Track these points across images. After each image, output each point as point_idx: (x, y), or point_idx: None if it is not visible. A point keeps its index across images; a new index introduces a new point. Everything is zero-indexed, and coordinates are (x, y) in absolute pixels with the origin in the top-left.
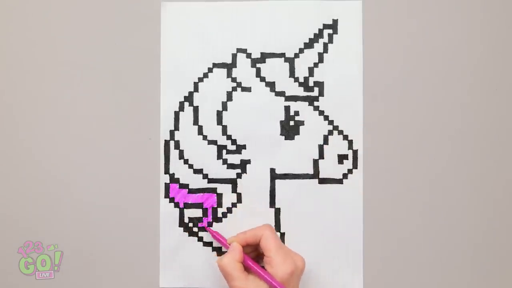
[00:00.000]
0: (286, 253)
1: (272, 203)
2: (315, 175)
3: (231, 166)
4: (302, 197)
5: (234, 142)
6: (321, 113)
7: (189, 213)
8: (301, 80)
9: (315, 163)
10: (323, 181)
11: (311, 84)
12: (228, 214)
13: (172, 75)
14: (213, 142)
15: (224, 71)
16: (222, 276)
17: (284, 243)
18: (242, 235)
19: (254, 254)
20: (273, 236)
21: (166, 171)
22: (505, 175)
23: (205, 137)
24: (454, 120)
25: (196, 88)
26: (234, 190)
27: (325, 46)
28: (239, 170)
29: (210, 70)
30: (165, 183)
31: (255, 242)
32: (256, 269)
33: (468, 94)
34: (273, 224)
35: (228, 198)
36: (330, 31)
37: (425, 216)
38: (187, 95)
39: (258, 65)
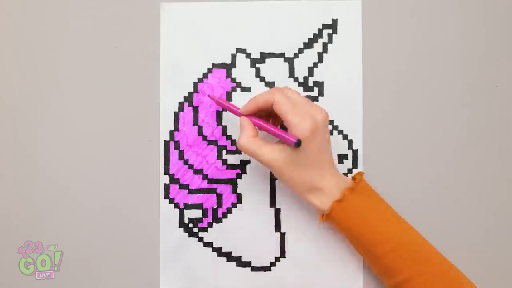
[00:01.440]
0: (302, 111)
1: (272, 203)
2: None
3: (231, 167)
4: None
5: (234, 142)
6: None
7: (189, 213)
8: (301, 80)
9: None
10: None
11: (310, 84)
12: (228, 215)
13: (172, 75)
14: (213, 143)
15: (223, 71)
16: (222, 277)
17: (284, 242)
18: (254, 103)
19: (273, 115)
20: (284, 99)
21: (166, 171)
22: (505, 174)
23: (205, 138)
24: (454, 119)
25: (196, 88)
26: (234, 190)
27: (325, 46)
28: (239, 171)
29: (209, 70)
30: (165, 184)
31: (268, 108)
32: (267, 128)
33: (468, 94)
34: (273, 224)
35: (228, 198)
36: (330, 31)
37: (425, 215)
38: (187, 95)
39: (257, 65)
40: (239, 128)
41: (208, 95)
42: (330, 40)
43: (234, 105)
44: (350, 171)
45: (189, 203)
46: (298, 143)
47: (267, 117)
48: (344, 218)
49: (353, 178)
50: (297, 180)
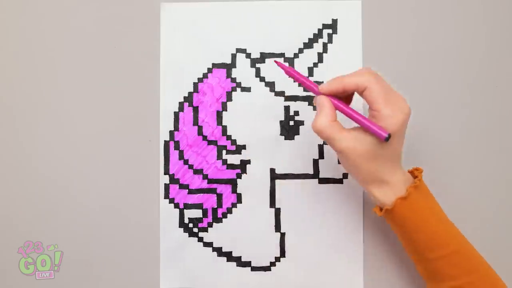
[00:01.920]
0: (393, 103)
1: (272, 203)
2: (315, 175)
3: (231, 166)
4: (302, 197)
5: (234, 142)
6: None
7: (189, 213)
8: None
9: (315, 163)
10: (323, 181)
11: None
12: (228, 215)
13: (172, 75)
14: (213, 143)
15: (223, 71)
16: (222, 277)
17: (284, 242)
18: (340, 83)
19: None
20: (380, 85)
21: (166, 171)
22: (508, 174)
23: (205, 138)
24: (454, 119)
25: (196, 88)
26: (234, 190)
27: (325, 46)
28: (239, 171)
29: (209, 70)
30: (165, 184)
31: (357, 92)
32: (353, 116)
33: (468, 94)
34: (273, 224)
35: (228, 198)
36: (330, 31)
37: None
38: (187, 95)
39: (257, 65)
40: (317, 107)
41: (275, 61)
42: (330, 40)
43: (310, 80)
44: None
45: (189, 203)
46: (388, 138)
47: (348, 97)
48: (403, 216)
49: (411, 173)
50: (367, 171)
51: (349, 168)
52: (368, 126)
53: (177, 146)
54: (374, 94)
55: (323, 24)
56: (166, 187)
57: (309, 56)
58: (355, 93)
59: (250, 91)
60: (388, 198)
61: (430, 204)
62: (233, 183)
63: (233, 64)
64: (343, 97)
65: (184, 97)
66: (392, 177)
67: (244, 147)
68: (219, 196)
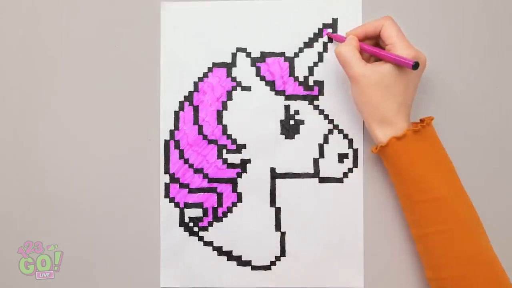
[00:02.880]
0: (409, 44)
1: (272, 202)
2: (316, 174)
3: (231, 166)
4: (303, 196)
5: (234, 141)
6: (321, 112)
7: (190, 212)
8: (301, 79)
9: (315, 162)
10: (323, 180)
11: (311, 83)
12: (229, 214)
13: (172, 75)
14: (213, 142)
15: (224, 70)
16: (222, 276)
17: (284, 241)
18: (360, 28)
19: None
20: (395, 25)
21: (166, 171)
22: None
23: (205, 137)
24: (454, 119)
25: (196, 88)
26: (234, 189)
27: (325, 45)
28: (239, 170)
29: (210, 69)
30: (165, 183)
31: (375, 34)
32: (378, 51)
33: (468, 93)
34: (273, 223)
35: (228, 197)
36: (330, 30)
37: None
38: (187, 94)
39: (258, 64)
40: (343, 42)
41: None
42: (330, 39)
43: (339, 35)
44: (350, 170)
45: (190, 202)
46: (416, 65)
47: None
48: (395, 155)
49: (421, 120)
50: (375, 103)
51: (358, 98)
52: (392, 57)
53: (177, 145)
54: (389, 30)
55: (323, 23)
56: (167, 186)
57: (310, 55)
58: None
59: (250, 90)
60: (385, 137)
61: (427, 149)
62: (233, 182)
63: (233, 63)
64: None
65: (185, 96)
66: (396, 118)
67: (244, 146)
68: (219, 195)
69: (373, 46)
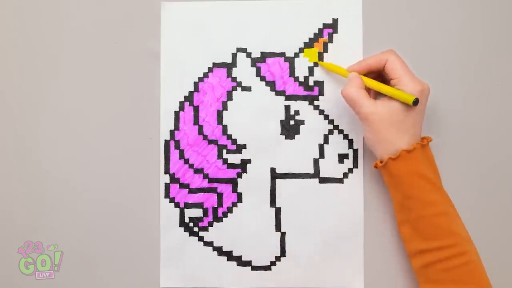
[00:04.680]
0: (413, 76)
1: (272, 202)
2: (316, 174)
3: (232, 166)
4: (303, 197)
5: (234, 141)
6: (321, 112)
7: (190, 213)
8: (301, 79)
9: (316, 162)
10: (323, 180)
11: (311, 83)
12: (229, 214)
13: (172, 75)
14: (213, 142)
15: (224, 70)
16: (222, 276)
17: (284, 242)
18: (364, 62)
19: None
20: (399, 59)
21: (166, 171)
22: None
23: (205, 137)
24: (454, 118)
25: (196, 88)
26: (234, 189)
27: (325, 45)
28: (239, 170)
29: (210, 69)
30: (165, 183)
31: (379, 68)
32: (381, 88)
33: (468, 93)
34: (273, 223)
35: (229, 197)
36: (330, 30)
37: None
38: (187, 94)
39: (258, 65)
40: (348, 81)
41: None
42: (330, 39)
43: (341, 67)
44: (350, 170)
45: (190, 202)
46: (416, 101)
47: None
48: (389, 173)
49: (421, 139)
50: (388, 140)
51: (372, 136)
52: (398, 93)
53: (177, 145)
54: (394, 64)
55: (323, 24)
56: (167, 186)
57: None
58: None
59: (250, 90)
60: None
61: (417, 167)
62: (233, 182)
63: (233, 64)
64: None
65: (185, 97)
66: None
67: (244, 146)
68: (220, 196)
69: (377, 82)
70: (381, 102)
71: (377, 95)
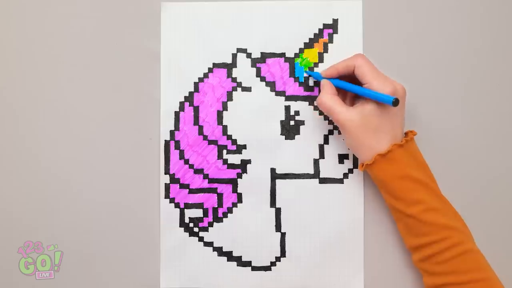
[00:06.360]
0: (384, 78)
1: (272, 203)
2: (316, 175)
3: (232, 166)
4: (303, 197)
5: (234, 142)
6: (321, 112)
7: (190, 213)
8: (301, 80)
9: (316, 162)
10: (323, 181)
11: (311, 84)
12: (229, 214)
13: (172, 75)
14: (214, 142)
15: (224, 71)
16: (222, 277)
17: (284, 242)
18: (333, 69)
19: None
20: (367, 62)
21: (167, 171)
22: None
23: (205, 137)
24: (454, 119)
25: (196, 88)
26: (234, 190)
27: (325, 45)
28: (239, 170)
29: (210, 70)
30: (165, 184)
31: (349, 73)
32: (357, 90)
33: (468, 93)
34: (273, 224)
35: (229, 198)
36: (330, 30)
37: None
38: (187, 95)
39: (258, 65)
40: (321, 88)
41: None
42: (330, 40)
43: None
44: (350, 170)
45: (190, 202)
46: (396, 102)
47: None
48: (382, 171)
49: (406, 134)
50: (367, 146)
51: (351, 143)
52: (375, 93)
53: (177, 145)
54: (362, 69)
55: (324, 24)
56: (167, 186)
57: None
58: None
59: (250, 91)
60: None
61: (397, 169)
62: (233, 182)
63: (233, 64)
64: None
65: (185, 97)
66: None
67: (244, 146)
68: (220, 196)
69: (351, 84)
70: (355, 108)
71: (356, 98)
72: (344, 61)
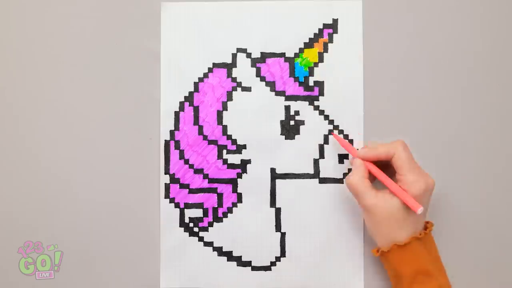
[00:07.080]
0: (419, 172)
1: (272, 203)
2: (316, 174)
3: (232, 166)
4: (303, 197)
5: (234, 142)
6: (321, 112)
7: (190, 213)
8: (301, 79)
9: (316, 162)
10: (323, 180)
11: (311, 83)
12: (229, 214)
13: (172, 75)
14: (214, 142)
15: (224, 71)
16: (222, 277)
17: (284, 242)
18: (373, 151)
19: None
20: (407, 154)
21: (167, 171)
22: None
23: (205, 137)
24: (454, 119)
25: (196, 88)
26: (234, 190)
27: (325, 45)
28: (239, 170)
29: (210, 70)
30: (165, 184)
31: (387, 159)
32: (388, 185)
33: (468, 93)
34: (273, 224)
35: (229, 198)
36: (330, 30)
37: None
38: (187, 95)
39: (258, 65)
40: (352, 167)
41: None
42: (330, 39)
43: (352, 146)
44: (350, 170)
45: (190, 202)
46: (421, 211)
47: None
48: (396, 260)
49: (425, 227)
50: (387, 233)
51: (371, 227)
52: (403, 197)
53: (177, 145)
54: (400, 161)
55: (323, 24)
56: (167, 186)
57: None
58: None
59: (250, 90)
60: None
61: (411, 260)
62: (233, 182)
63: (233, 64)
64: (381, 167)
65: (185, 97)
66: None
67: (244, 146)
68: (220, 196)
69: (384, 175)
70: (383, 196)
71: None
72: (385, 147)
